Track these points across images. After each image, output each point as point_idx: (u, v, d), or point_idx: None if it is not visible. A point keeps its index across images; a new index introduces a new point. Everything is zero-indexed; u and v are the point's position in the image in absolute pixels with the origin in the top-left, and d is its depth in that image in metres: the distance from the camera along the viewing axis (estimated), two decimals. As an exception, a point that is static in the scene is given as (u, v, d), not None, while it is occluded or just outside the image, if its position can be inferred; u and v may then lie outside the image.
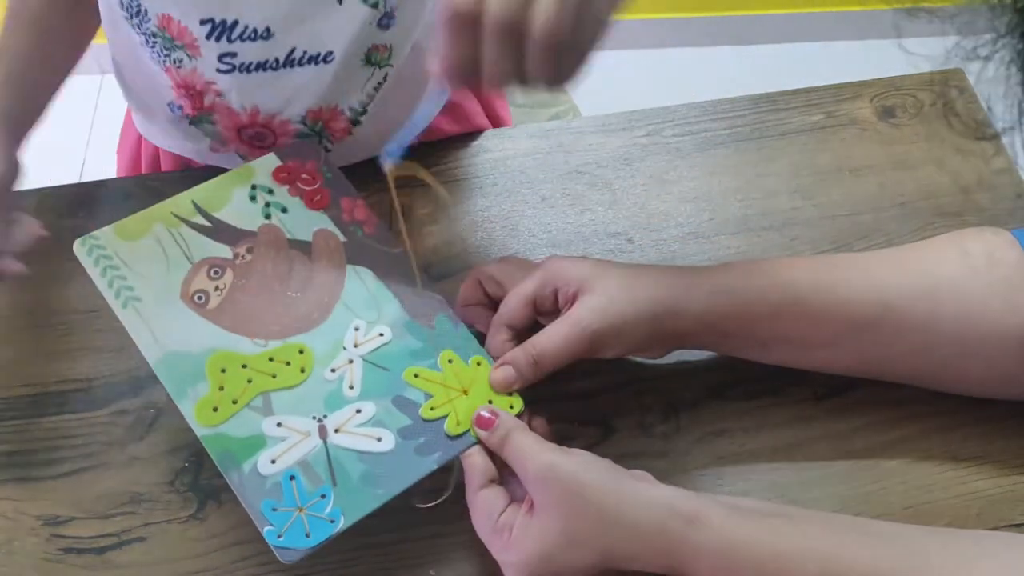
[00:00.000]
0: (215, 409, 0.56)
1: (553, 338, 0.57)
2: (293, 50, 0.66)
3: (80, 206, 0.73)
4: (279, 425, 0.56)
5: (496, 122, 0.94)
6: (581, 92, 1.13)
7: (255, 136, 0.72)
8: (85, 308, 0.68)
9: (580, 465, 0.52)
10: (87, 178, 1.10)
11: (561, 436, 0.62)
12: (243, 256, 0.62)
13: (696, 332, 0.59)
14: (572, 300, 0.58)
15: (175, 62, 0.66)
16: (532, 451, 0.53)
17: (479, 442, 0.56)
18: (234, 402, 0.56)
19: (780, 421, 0.63)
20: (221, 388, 0.57)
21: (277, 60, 0.66)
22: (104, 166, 0.95)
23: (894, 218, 0.73)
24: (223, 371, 0.57)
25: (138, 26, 0.65)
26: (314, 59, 0.67)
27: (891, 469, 0.61)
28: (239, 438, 0.55)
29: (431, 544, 0.58)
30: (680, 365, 0.65)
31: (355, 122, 0.73)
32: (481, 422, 0.56)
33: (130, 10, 0.64)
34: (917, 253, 0.60)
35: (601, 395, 0.64)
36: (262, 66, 0.66)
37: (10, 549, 0.58)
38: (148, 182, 0.76)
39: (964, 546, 0.49)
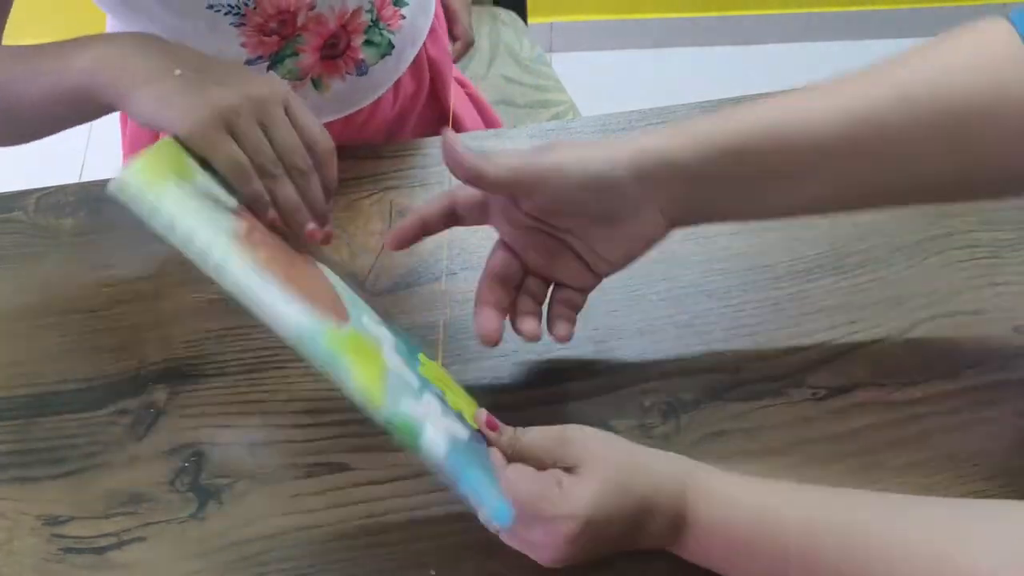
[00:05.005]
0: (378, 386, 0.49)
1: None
2: None
3: (80, 206, 0.73)
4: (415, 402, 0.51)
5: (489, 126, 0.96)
6: (581, 92, 1.13)
7: (331, 47, 0.75)
8: (85, 308, 0.68)
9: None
10: (87, 178, 1.10)
11: (561, 436, 0.62)
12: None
13: (671, 184, 0.54)
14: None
15: None
16: (549, 430, 0.54)
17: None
18: (381, 379, 0.50)
19: (780, 422, 0.63)
20: (361, 366, 0.50)
21: None
22: (104, 166, 0.95)
23: (894, 218, 0.73)
24: (353, 349, 0.50)
25: None
26: None
27: (891, 469, 0.61)
28: (409, 415, 0.49)
29: (431, 544, 0.58)
30: (680, 366, 0.65)
31: (396, 2, 0.78)
32: (491, 423, 0.55)
33: None
34: (895, 63, 0.55)
35: (601, 396, 0.64)
36: None
37: (10, 549, 0.58)
38: (148, 182, 0.76)
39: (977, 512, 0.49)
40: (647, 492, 0.52)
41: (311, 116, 0.57)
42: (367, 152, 0.78)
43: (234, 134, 0.54)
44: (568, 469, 0.52)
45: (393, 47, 0.79)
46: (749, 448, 0.62)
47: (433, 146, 0.78)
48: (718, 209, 0.58)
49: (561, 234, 0.57)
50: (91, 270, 0.70)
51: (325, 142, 0.57)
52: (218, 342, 0.66)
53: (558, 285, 0.60)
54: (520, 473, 0.52)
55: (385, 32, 0.78)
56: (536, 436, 0.54)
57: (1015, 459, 0.61)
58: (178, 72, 0.56)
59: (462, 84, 0.96)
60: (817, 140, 0.54)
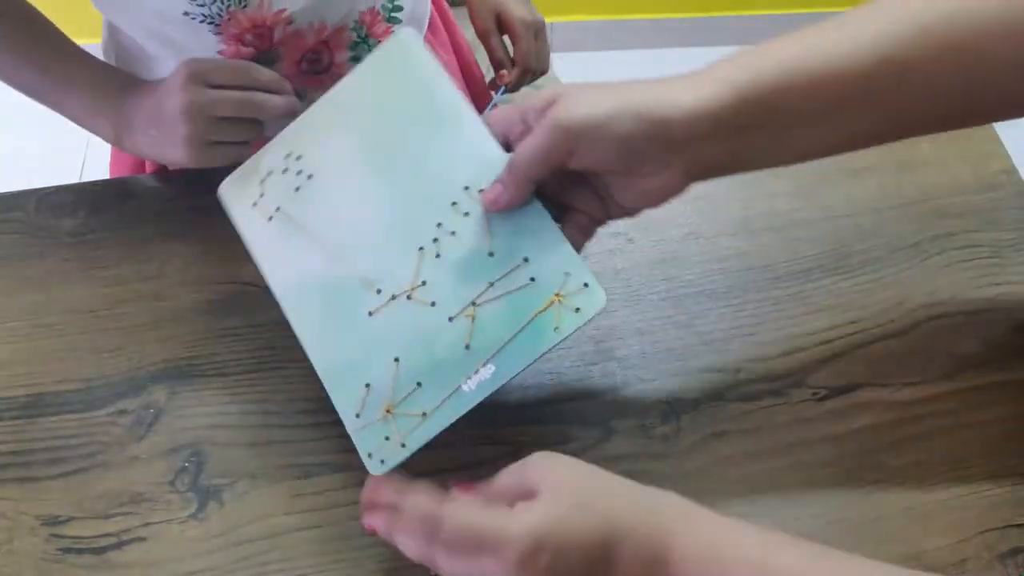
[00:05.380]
0: None
1: (525, 141, 0.53)
2: None
3: (80, 206, 0.73)
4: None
5: None
6: (581, 92, 1.13)
7: (313, 61, 0.74)
8: (85, 308, 0.68)
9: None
10: (87, 178, 1.10)
11: (561, 438, 0.62)
12: None
13: (697, 133, 0.51)
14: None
15: (240, 2, 0.67)
16: (514, 465, 0.50)
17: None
18: None
19: (780, 423, 0.63)
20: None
21: None
22: (104, 167, 0.95)
23: (895, 219, 0.73)
24: None
25: None
26: None
27: (891, 470, 0.61)
28: None
29: (431, 544, 0.58)
30: (680, 366, 0.65)
31: (389, 19, 0.76)
32: (464, 487, 0.51)
33: None
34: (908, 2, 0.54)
35: (601, 396, 0.64)
36: None
37: (10, 549, 0.58)
38: (148, 182, 0.76)
39: None
40: (613, 516, 0.47)
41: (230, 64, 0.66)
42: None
43: (215, 115, 0.65)
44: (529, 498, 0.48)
45: None
46: (749, 448, 0.62)
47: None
48: (742, 161, 0.55)
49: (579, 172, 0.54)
50: (91, 270, 0.70)
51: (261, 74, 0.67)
52: (218, 342, 0.66)
53: (569, 209, 0.57)
54: (467, 504, 0.49)
55: (374, 49, 0.77)
56: (503, 474, 0.50)
57: (1016, 459, 0.61)
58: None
59: (472, 78, 0.96)
60: (844, 83, 0.52)
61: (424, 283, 0.56)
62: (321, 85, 0.76)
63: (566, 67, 1.20)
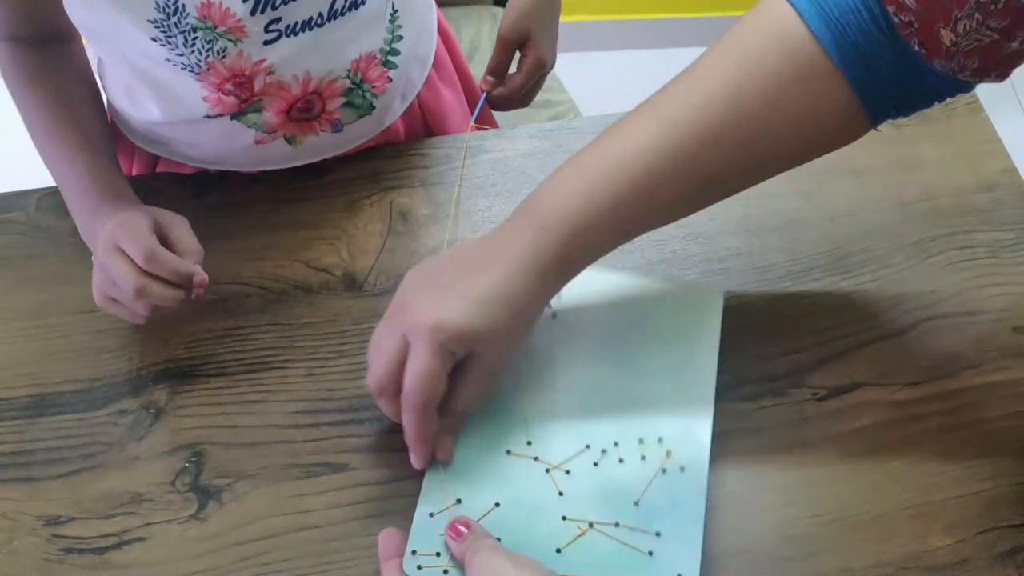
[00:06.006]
0: None
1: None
2: (334, 2, 0.67)
3: (80, 206, 0.73)
4: None
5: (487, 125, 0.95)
6: (581, 92, 1.13)
7: (303, 110, 0.73)
8: (85, 308, 0.68)
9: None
10: (87, 178, 1.09)
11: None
12: None
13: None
14: None
15: (219, 53, 0.66)
16: (485, 549, 0.51)
17: None
18: None
19: (780, 422, 0.63)
20: None
21: (322, 16, 0.68)
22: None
23: (895, 219, 0.73)
24: None
25: (175, 25, 0.64)
26: (353, 5, 0.69)
27: (891, 470, 0.61)
28: None
29: (431, 544, 0.58)
30: (680, 366, 0.65)
31: (386, 63, 0.75)
32: (453, 530, 0.54)
33: (167, 11, 0.63)
34: (692, 80, 0.57)
35: (601, 395, 0.64)
36: (308, 25, 0.67)
37: (10, 549, 0.58)
38: (147, 183, 0.76)
39: None
40: None
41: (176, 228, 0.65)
42: (367, 152, 0.78)
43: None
44: None
45: (374, 108, 0.77)
46: (749, 448, 0.62)
47: (433, 146, 0.78)
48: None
49: None
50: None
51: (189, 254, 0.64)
52: (218, 342, 0.66)
53: None
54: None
55: (368, 95, 0.75)
56: (479, 552, 0.51)
57: (1015, 459, 0.61)
58: None
59: (469, 84, 0.95)
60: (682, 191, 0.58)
61: (568, 472, 0.57)
62: (311, 129, 0.75)
63: (566, 67, 1.20)
